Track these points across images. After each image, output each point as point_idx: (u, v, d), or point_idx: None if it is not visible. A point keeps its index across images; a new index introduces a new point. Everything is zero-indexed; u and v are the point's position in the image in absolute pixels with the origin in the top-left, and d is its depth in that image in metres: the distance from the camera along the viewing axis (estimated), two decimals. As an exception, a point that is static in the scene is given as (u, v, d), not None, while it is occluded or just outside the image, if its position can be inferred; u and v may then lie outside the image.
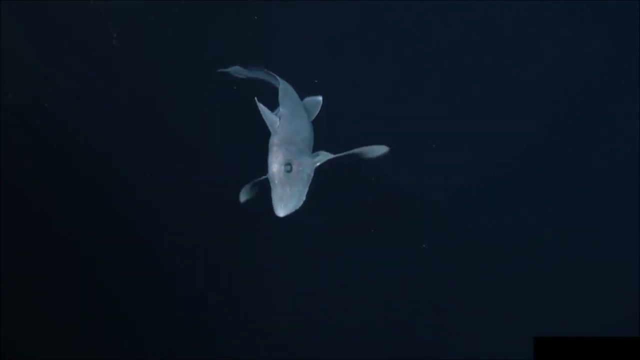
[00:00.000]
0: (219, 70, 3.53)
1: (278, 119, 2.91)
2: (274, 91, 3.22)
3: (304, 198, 2.61)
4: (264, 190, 2.98)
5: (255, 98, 2.88)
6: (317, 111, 3.26)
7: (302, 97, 3.33)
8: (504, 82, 4.22)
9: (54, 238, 4.27)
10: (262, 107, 2.90)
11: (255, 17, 4.13)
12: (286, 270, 4.20)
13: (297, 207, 2.60)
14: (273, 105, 3.12)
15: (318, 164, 2.76)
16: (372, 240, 4.29)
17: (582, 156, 4.28)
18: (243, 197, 3.17)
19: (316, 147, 3.05)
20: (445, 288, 4.15)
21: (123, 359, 4.18)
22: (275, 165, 2.66)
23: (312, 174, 2.70)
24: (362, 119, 4.04)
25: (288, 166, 2.63)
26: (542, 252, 4.18)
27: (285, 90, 3.17)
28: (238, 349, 4.20)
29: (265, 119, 2.87)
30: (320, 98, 3.29)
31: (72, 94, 4.30)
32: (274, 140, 2.80)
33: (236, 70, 3.49)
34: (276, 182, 2.62)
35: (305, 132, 2.91)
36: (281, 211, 2.56)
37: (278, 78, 3.26)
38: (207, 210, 4.15)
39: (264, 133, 2.94)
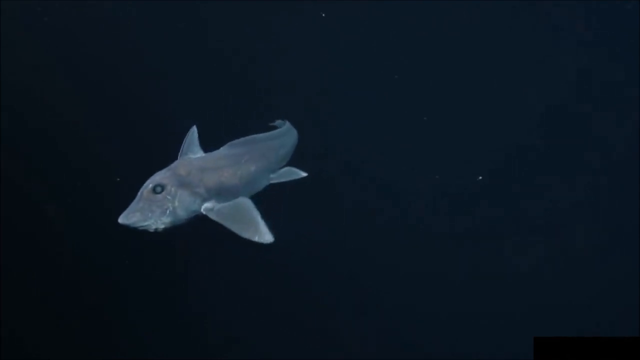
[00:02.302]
0: (270, 124, 3.64)
1: (200, 153, 2.93)
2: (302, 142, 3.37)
3: (158, 226, 2.55)
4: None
5: (194, 126, 2.97)
6: (280, 181, 3.13)
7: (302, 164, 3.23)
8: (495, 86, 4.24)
9: (53, 237, 4.27)
10: (191, 135, 2.96)
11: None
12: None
13: (140, 225, 2.54)
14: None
15: (202, 212, 2.65)
16: (370, 240, 4.30)
17: (582, 156, 4.29)
18: None
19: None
20: (445, 288, 4.16)
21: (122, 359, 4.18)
22: (149, 181, 2.66)
23: (185, 216, 2.62)
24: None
25: (159, 187, 2.60)
26: (543, 252, 4.19)
27: (262, 139, 3.12)
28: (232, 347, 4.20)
29: (183, 144, 2.93)
30: (303, 175, 3.16)
31: (72, 94, 4.30)
32: (174, 162, 2.81)
33: (279, 123, 3.64)
34: (139, 192, 2.63)
35: (215, 179, 2.74)
36: (121, 218, 2.55)
37: (292, 131, 3.37)
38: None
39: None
